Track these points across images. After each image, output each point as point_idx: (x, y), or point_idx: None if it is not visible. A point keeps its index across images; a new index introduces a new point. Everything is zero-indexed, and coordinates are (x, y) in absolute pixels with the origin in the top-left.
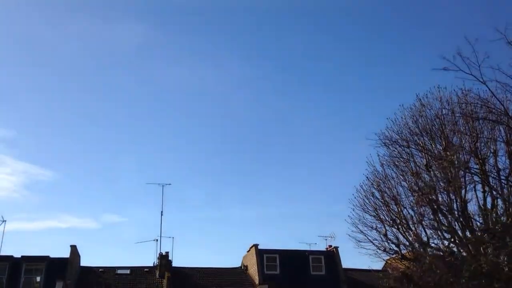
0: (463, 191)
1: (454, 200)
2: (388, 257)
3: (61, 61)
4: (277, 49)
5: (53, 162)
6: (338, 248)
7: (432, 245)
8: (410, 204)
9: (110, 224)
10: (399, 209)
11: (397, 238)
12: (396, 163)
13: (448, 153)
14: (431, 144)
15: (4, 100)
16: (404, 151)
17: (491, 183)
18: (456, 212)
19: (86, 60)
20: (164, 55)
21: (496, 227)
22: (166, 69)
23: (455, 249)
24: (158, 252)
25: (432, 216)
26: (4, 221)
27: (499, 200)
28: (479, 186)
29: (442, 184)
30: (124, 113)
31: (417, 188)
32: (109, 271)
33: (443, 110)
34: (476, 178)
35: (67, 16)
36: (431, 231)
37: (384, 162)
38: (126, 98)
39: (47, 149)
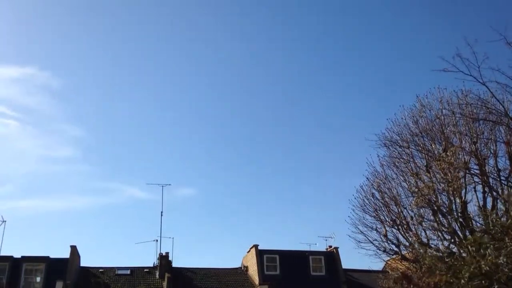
0: (463, 192)
1: (454, 201)
2: (388, 258)
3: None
4: (277, 49)
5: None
6: (338, 249)
7: (432, 246)
8: (410, 205)
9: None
10: (399, 210)
11: (397, 239)
12: (396, 163)
13: (447, 153)
14: (431, 145)
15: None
16: (404, 152)
17: (491, 184)
18: (456, 213)
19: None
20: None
21: (496, 228)
22: (168, 70)
23: (455, 249)
24: (158, 252)
25: (432, 217)
26: (4, 221)
27: (499, 201)
28: (479, 187)
29: (442, 185)
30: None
31: (417, 189)
32: (109, 271)
33: (443, 110)
34: (476, 179)
35: None
36: (431, 232)
37: (384, 163)
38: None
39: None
